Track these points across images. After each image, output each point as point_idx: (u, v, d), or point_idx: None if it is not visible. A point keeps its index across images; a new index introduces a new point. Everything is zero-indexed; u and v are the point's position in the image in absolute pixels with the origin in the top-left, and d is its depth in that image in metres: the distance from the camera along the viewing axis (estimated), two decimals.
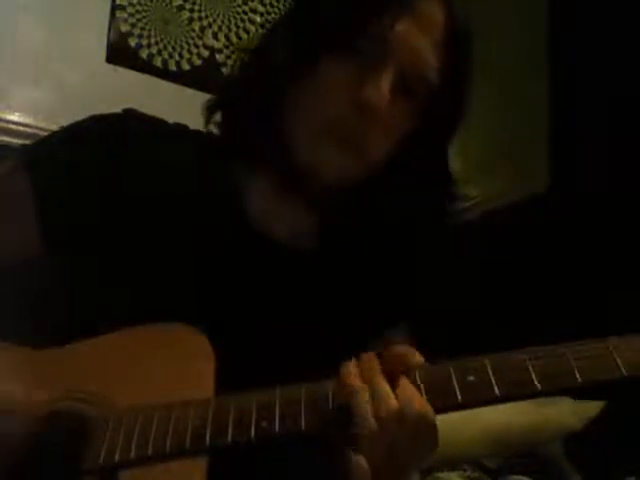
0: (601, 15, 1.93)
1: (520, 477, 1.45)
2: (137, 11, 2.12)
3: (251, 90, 0.81)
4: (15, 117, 1.92)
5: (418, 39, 0.76)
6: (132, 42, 2.10)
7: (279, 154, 0.78)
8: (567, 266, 1.80)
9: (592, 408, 1.46)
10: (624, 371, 0.56)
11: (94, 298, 0.75)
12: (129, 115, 0.85)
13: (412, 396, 0.59)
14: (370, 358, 0.63)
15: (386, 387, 0.60)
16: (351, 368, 0.62)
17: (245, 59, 0.86)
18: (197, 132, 0.87)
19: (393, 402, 0.59)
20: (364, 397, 0.60)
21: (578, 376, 0.56)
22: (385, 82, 0.74)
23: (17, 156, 0.82)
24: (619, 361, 0.56)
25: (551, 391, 0.57)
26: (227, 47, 2.25)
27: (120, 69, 2.06)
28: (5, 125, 1.90)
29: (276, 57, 0.79)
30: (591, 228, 1.76)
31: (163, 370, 0.67)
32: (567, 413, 1.48)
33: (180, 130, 0.88)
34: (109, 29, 2.07)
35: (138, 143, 0.81)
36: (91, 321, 0.71)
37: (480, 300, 1.86)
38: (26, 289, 0.77)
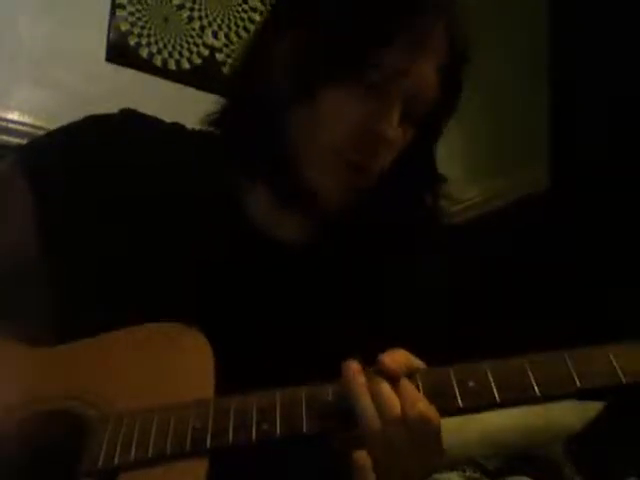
0: (601, 15, 1.93)
1: (520, 478, 1.45)
2: (137, 10, 2.12)
3: (252, 103, 0.80)
4: (14, 116, 1.92)
5: (425, 67, 0.76)
6: (132, 41, 2.09)
7: (280, 170, 0.78)
8: (567, 266, 1.79)
9: (593, 409, 1.45)
10: (623, 378, 0.56)
11: (93, 300, 0.75)
12: (127, 116, 0.85)
13: (415, 398, 0.60)
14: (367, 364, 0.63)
15: (388, 389, 0.60)
16: (353, 369, 0.62)
17: (245, 66, 0.85)
18: (195, 132, 0.87)
19: (396, 404, 0.59)
20: (367, 398, 0.60)
21: (578, 383, 0.57)
22: (396, 115, 0.75)
23: (14, 157, 0.82)
24: (618, 368, 0.57)
25: (551, 397, 0.57)
26: (227, 46, 2.24)
27: (120, 68, 2.06)
28: (4, 124, 1.90)
29: (280, 73, 0.78)
30: (591, 228, 1.76)
31: (162, 370, 0.67)
32: (568, 414, 1.48)
33: (178, 130, 0.87)
34: (109, 28, 2.06)
35: (136, 145, 0.81)
36: (90, 323, 0.71)
37: (480, 300, 1.86)
38: (24, 290, 0.76)
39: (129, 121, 0.84)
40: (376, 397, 0.60)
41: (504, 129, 2.13)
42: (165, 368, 0.67)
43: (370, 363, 0.63)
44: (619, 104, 1.81)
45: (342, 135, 0.76)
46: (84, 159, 0.79)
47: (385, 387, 0.60)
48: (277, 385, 0.63)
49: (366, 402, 0.60)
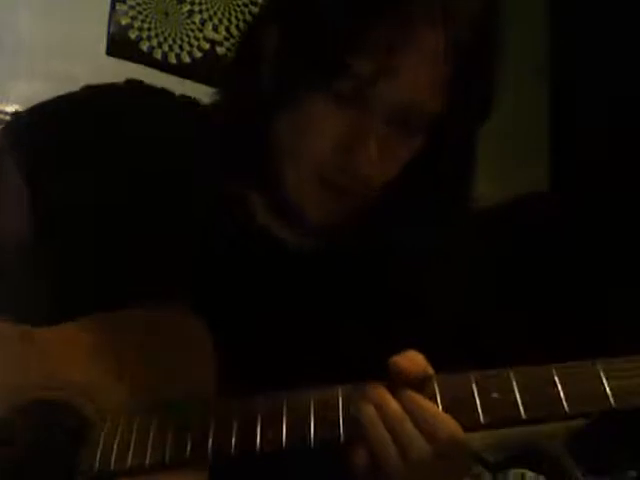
0: (601, 15, 1.94)
1: (521, 471, 1.46)
2: (137, 4, 2.10)
3: (239, 101, 0.76)
4: (14, 109, 1.90)
5: (409, 67, 0.65)
6: (132, 35, 2.08)
7: (264, 180, 0.75)
8: (567, 266, 1.81)
9: None
10: None
11: (90, 285, 0.72)
12: (129, 86, 0.82)
13: (445, 422, 0.57)
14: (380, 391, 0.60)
15: (410, 426, 0.57)
16: (367, 409, 0.59)
17: (235, 62, 0.81)
18: (205, 110, 0.82)
19: (419, 440, 0.57)
20: (385, 438, 0.57)
21: (612, 401, 0.55)
22: (379, 130, 0.67)
23: (3, 133, 0.79)
24: None
25: (583, 415, 0.57)
26: (228, 39, 2.23)
27: (120, 62, 2.05)
28: (3, 117, 1.88)
29: (266, 71, 0.73)
30: (591, 228, 1.77)
31: (159, 356, 0.66)
32: None
33: (187, 105, 0.83)
34: (109, 21, 2.05)
35: (135, 117, 0.77)
36: (86, 309, 0.69)
37: (480, 300, 1.87)
38: (19, 274, 0.74)
39: (130, 92, 0.80)
40: (392, 431, 0.57)
41: (504, 129, 2.13)
42: (162, 354, 0.65)
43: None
44: (619, 104, 1.82)
45: (321, 152, 0.69)
46: (79, 134, 0.76)
47: (406, 423, 0.57)
48: (277, 384, 0.61)
49: (382, 437, 0.57)
